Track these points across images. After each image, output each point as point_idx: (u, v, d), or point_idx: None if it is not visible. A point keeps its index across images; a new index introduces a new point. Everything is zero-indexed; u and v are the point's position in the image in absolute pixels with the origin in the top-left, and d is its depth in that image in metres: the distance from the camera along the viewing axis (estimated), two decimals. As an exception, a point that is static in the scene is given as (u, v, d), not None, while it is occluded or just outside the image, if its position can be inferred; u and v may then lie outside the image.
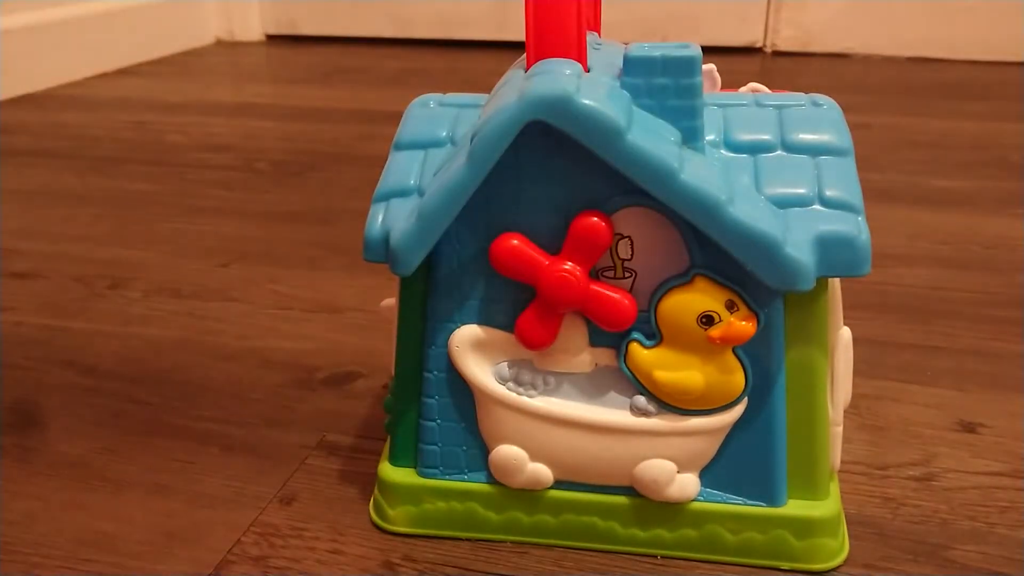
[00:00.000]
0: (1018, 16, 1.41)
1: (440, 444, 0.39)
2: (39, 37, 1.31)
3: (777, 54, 1.52)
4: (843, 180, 0.35)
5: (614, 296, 0.35)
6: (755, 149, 0.36)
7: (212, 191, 0.88)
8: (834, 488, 0.38)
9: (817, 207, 0.34)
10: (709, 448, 0.37)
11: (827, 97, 0.37)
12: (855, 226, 0.34)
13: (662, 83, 0.33)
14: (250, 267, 0.69)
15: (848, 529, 0.40)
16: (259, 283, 0.67)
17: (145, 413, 0.50)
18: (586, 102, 0.31)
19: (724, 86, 0.41)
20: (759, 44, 1.53)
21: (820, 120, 0.36)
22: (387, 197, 0.37)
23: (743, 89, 0.40)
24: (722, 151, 0.36)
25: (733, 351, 0.35)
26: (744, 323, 0.34)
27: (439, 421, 0.39)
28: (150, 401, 0.51)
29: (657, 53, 0.33)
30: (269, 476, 0.44)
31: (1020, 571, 0.38)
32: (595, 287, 0.35)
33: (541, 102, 0.32)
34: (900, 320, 0.59)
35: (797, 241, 0.33)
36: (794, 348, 0.36)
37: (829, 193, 0.34)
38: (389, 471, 0.40)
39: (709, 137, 0.35)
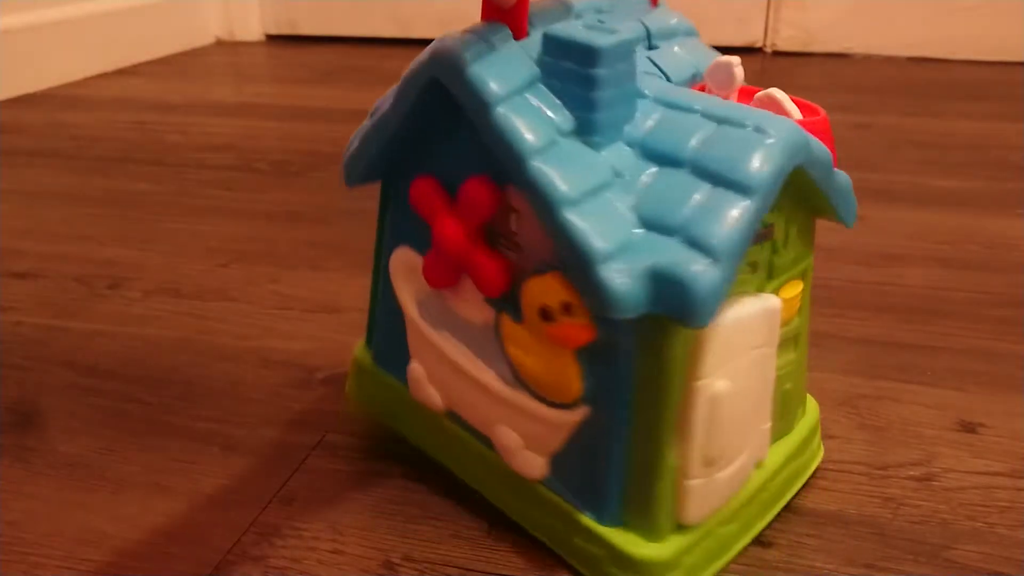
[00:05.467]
0: (1018, 16, 1.41)
1: (383, 342, 0.43)
2: (39, 37, 1.31)
3: (777, 54, 1.52)
4: (720, 219, 0.30)
5: (486, 262, 0.35)
6: (665, 161, 0.32)
7: (212, 191, 0.88)
8: (682, 541, 0.35)
9: (675, 239, 0.30)
10: (551, 438, 0.36)
11: (790, 124, 0.32)
12: (696, 271, 0.29)
13: (568, 67, 0.32)
14: (250, 267, 0.69)
15: (848, 529, 0.40)
16: (259, 283, 0.67)
17: (145, 413, 0.50)
18: (465, 66, 0.31)
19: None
20: (759, 44, 1.53)
21: (746, 147, 0.31)
22: (371, 116, 0.39)
23: (759, 95, 0.36)
24: (634, 150, 0.33)
25: (576, 356, 0.34)
26: (575, 329, 0.33)
27: (383, 322, 0.43)
28: (150, 401, 0.51)
29: (567, 34, 0.32)
30: (269, 476, 0.44)
31: (1020, 571, 0.38)
32: (476, 249, 0.35)
33: (434, 59, 0.33)
34: (900, 320, 0.59)
35: (630, 267, 0.30)
36: (642, 385, 0.33)
37: (694, 229, 0.30)
38: (360, 349, 0.46)
39: (635, 134, 0.33)
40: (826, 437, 0.46)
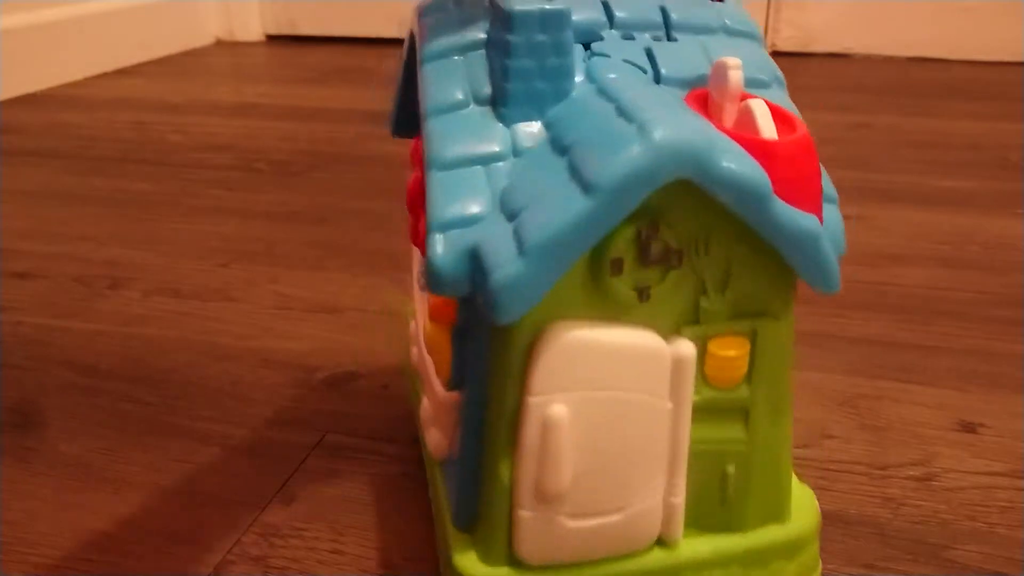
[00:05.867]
0: (1018, 16, 1.41)
1: None
2: (39, 37, 1.31)
3: (777, 54, 1.52)
4: (546, 212, 0.27)
5: (420, 219, 0.33)
6: (557, 146, 0.29)
7: (212, 191, 0.88)
8: None
9: (510, 225, 0.27)
10: (445, 418, 0.35)
11: (692, 127, 0.27)
12: (499, 259, 0.26)
13: (496, 33, 0.31)
14: (250, 267, 0.69)
15: (848, 529, 0.40)
16: (259, 283, 0.67)
17: (145, 413, 0.50)
18: (422, 22, 0.33)
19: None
20: (759, 44, 1.53)
21: (612, 144, 0.27)
22: None
23: (744, 104, 0.31)
24: (548, 133, 0.30)
25: (451, 335, 0.33)
26: (438, 302, 0.32)
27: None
28: (150, 401, 0.51)
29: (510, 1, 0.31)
30: (269, 476, 0.44)
31: (1020, 571, 0.38)
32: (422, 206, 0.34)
33: (413, 12, 0.34)
34: (900, 320, 0.59)
35: (458, 243, 0.28)
36: (490, 382, 0.30)
37: (523, 218, 0.27)
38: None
39: (556, 116, 0.30)
40: (826, 437, 0.47)
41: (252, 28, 1.72)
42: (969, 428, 0.47)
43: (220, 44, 1.71)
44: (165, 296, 0.65)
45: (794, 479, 0.35)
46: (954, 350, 0.55)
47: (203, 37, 1.69)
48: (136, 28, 1.51)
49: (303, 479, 0.44)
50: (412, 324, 0.44)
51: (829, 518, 0.41)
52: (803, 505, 0.35)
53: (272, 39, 1.73)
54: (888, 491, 0.43)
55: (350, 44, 1.64)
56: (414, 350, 0.42)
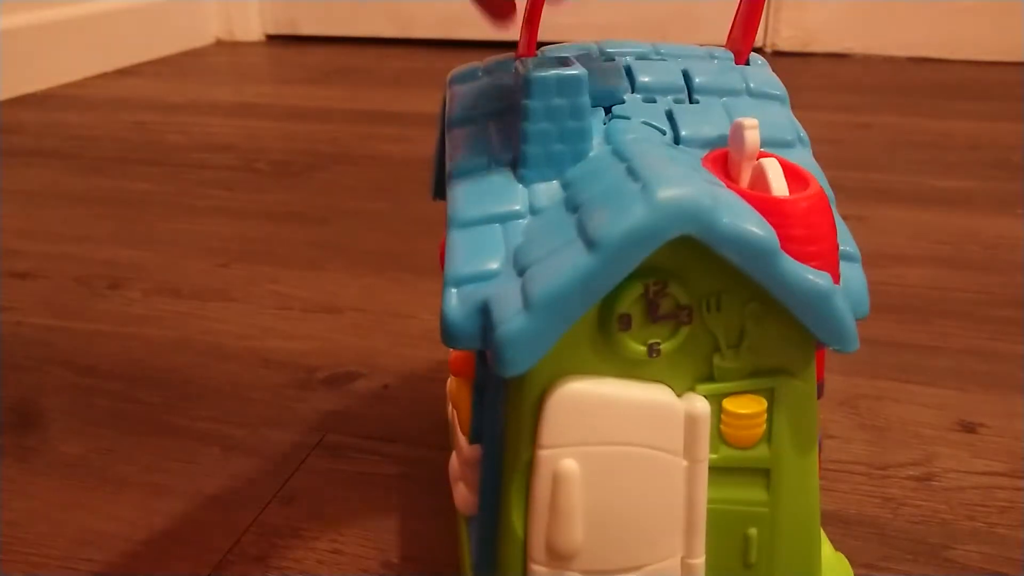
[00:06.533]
0: (1018, 16, 1.41)
1: None
2: (39, 37, 1.31)
3: (777, 54, 1.52)
4: (551, 269, 0.27)
5: None
6: (570, 205, 0.30)
7: (212, 191, 0.88)
8: None
9: (519, 281, 0.28)
10: (468, 473, 0.34)
11: (696, 185, 0.27)
12: (506, 313, 0.27)
13: (519, 98, 0.31)
14: (250, 267, 0.69)
15: (848, 529, 0.40)
16: (259, 283, 0.67)
17: (145, 413, 0.50)
18: (452, 87, 0.34)
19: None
20: (759, 44, 1.53)
21: (616, 203, 0.27)
22: None
23: (758, 163, 0.30)
24: (565, 192, 0.31)
25: (471, 388, 0.33)
26: (458, 355, 0.33)
27: None
28: (150, 401, 0.51)
29: (528, 67, 0.31)
30: (269, 476, 0.44)
31: (1020, 571, 0.38)
32: None
33: (448, 78, 0.36)
34: (900, 320, 0.59)
35: (471, 297, 0.28)
36: (505, 435, 0.30)
37: (530, 274, 0.27)
38: None
39: (573, 176, 0.31)
40: (826, 437, 0.47)
41: (252, 28, 1.72)
42: (969, 428, 0.47)
43: (220, 44, 1.71)
44: (165, 296, 0.65)
45: (828, 545, 0.34)
46: (954, 350, 0.55)
47: (203, 37, 1.69)
48: (136, 28, 1.51)
49: (303, 479, 0.44)
50: (450, 380, 0.43)
51: (829, 518, 0.41)
52: (836, 573, 0.34)
53: (272, 39, 1.73)
54: (888, 491, 0.43)
55: (350, 44, 1.64)
56: (449, 405, 0.42)
